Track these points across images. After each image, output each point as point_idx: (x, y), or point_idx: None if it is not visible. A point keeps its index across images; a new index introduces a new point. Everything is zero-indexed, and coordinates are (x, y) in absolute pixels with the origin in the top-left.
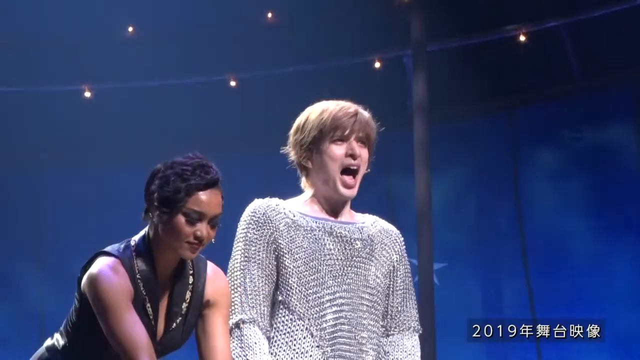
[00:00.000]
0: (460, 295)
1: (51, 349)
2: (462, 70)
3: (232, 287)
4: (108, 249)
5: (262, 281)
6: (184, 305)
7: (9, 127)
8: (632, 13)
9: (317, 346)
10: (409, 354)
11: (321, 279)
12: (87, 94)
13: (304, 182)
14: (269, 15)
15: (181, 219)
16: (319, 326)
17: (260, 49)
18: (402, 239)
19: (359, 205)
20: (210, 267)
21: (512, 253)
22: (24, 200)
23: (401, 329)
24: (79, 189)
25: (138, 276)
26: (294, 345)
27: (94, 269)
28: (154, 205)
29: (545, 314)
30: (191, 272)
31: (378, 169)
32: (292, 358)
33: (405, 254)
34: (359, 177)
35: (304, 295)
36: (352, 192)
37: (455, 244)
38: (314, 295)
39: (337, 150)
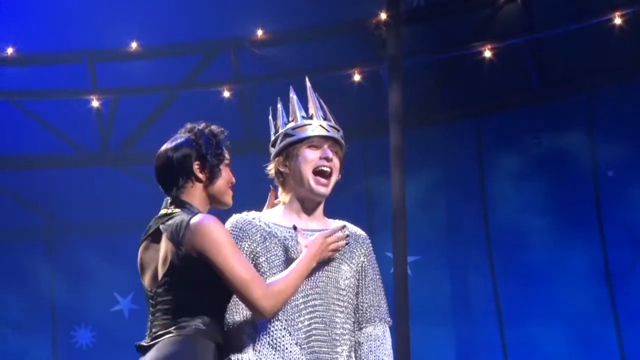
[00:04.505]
0: (432, 285)
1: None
2: (433, 82)
3: None
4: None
5: None
6: None
7: (22, 132)
8: (584, 32)
9: (295, 344)
10: (381, 343)
11: None
12: (95, 104)
13: (280, 192)
14: (259, 33)
15: (227, 168)
16: (295, 326)
17: (259, 63)
18: (370, 241)
19: (342, 204)
20: None
21: (478, 247)
22: (38, 198)
23: (372, 321)
24: (89, 188)
25: None
26: (275, 343)
27: (197, 218)
28: (209, 164)
29: (508, 301)
30: None
31: (358, 171)
32: (274, 355)
33: (373, 255)
34: (332, 180)
35: None
36: (326, 190)
37: (428, 239)
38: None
39: (312, 154)
